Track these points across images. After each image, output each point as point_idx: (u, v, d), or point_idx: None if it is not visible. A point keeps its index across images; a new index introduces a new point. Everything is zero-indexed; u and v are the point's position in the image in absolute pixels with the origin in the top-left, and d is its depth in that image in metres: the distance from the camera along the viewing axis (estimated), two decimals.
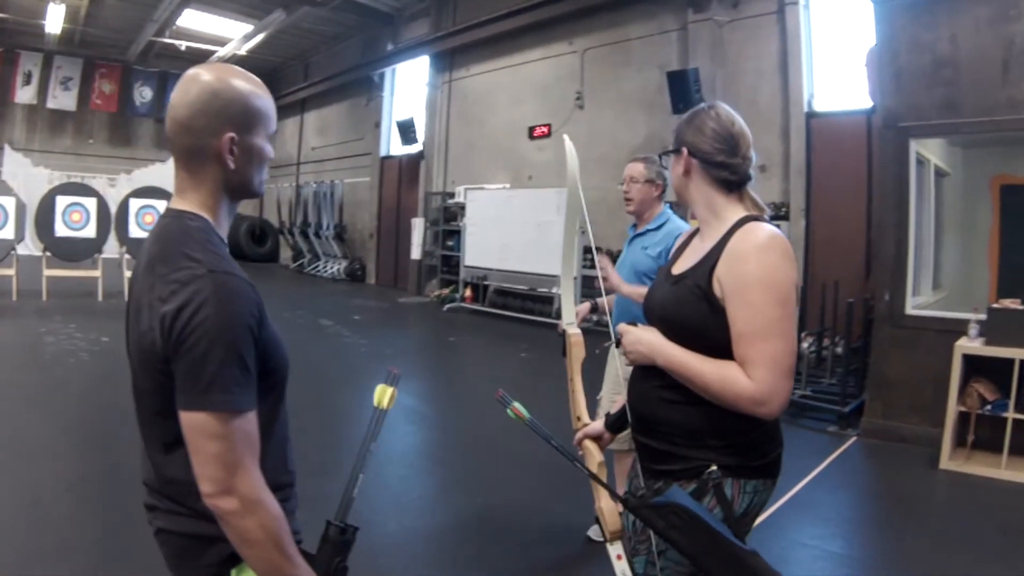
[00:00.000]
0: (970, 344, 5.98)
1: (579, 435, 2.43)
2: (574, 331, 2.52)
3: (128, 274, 13.26)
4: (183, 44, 19.60)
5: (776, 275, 1.93)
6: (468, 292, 15.51)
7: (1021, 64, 6.16)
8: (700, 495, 1.98)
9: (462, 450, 5.91)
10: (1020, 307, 5.85)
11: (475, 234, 15.01)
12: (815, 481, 5.53)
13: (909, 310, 6.70)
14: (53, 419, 6.27)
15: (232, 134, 1.57)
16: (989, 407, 5.87)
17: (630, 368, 2.26)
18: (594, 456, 2.36)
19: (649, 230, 4.04)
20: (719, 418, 1.97)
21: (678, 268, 2.17)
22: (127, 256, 13.44)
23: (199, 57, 21.17)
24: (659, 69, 12.62)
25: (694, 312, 2.01)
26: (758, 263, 1.93)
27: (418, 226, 17.49)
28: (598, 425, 2.42)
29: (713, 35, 11.68)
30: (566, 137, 2.70)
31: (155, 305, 1.47)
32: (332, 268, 20.42)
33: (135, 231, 13.54)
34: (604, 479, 2.29)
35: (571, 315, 2.62)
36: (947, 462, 5.89)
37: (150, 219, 13.62)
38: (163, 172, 14.92)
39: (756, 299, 1.91)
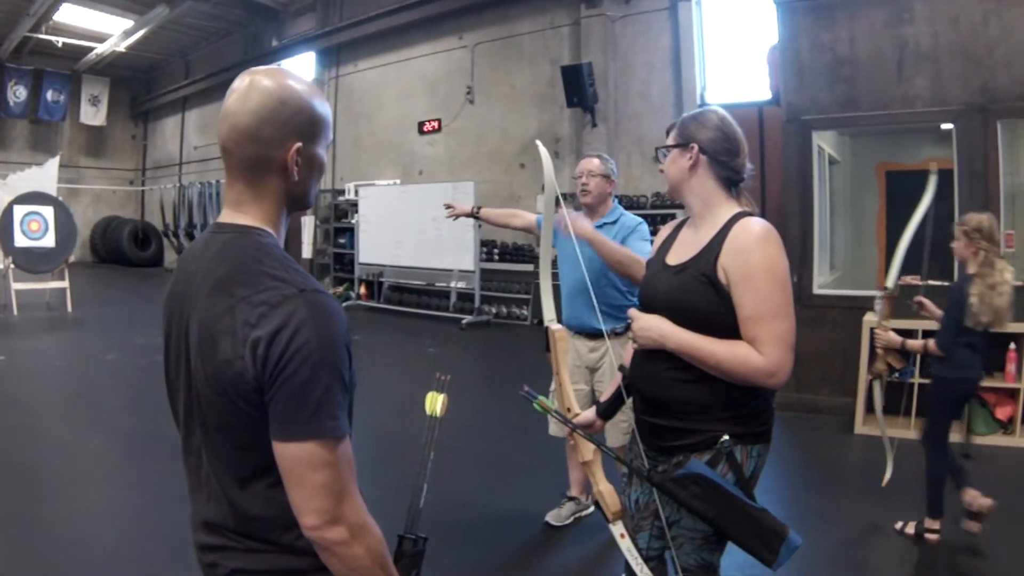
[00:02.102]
0: (876, 318, 6.29)
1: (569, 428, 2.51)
2: (557, 327, 2.57)
3: (18, 286, 12.40)
4: (60, 40, 18.54)
5: (777, 264, 2.14)
6: (363, 289, 15.31)
7: (913, 63, 6.62)
8: (714, 463, 2.16)
9: (394, 451, 5.71)
10: (920, 283, 6.18)
11: (368, 231, 14.76)
12: None
13: (816, 290, 6.99)
14: None
15: (299, 144, 1.47)
16: (897, 375, 6.19)
17: (628, 355, 2.46)
18: (588, 444, 2.44)
19: (607, 223, 4.15)
20: (726, 392, 2.16)
21: (674, 259, 2.32)
22: (12, 267, 12.53)
23: (76, 54, 20.31)
24: (551, 63, 12.77)
25: (701, 299, 2.17)
26: (762, 253, 2.12)
27: (308, 224, 17.13)
28: (589, 414, 2.54)
29: (605, 30, 11.87)
30: (539, 143, 2.78)
31: (241, 331, 1.34)
32: None
33: (20, 240, 12.57)
34: (600, 465, 2.42)
35: (552, 312, 2.66)
36: (861, 427, 6.31)
37: (36, 226, 12.76)
38: (40, 176, 13.89)
39: (762, 285, 2.10)
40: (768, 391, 2.24)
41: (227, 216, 1.52)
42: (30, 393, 7.72)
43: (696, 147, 2.29)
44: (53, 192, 13.85)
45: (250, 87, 1.45)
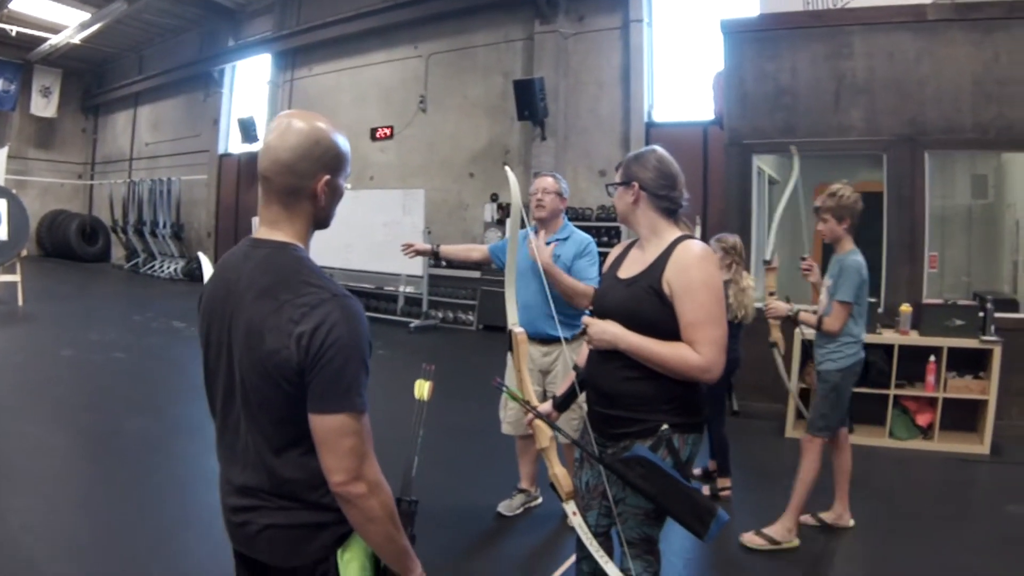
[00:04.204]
0: (808, 331, 6.55)
1: (529, 416, 2.75)
2: (519, 330, 2.84)
3: None
4: (14, 29, 18.19)
5: (713, 279, 2.51)
6: None
7: (850, 95, 6.96)
8: (656, 448, 2.49)
9: None
10: None
11: (318, 233, 14.40)
12: None
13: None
14: None
15: (328, 177, 1.75)
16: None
17: (583, 357, 2.80)
18: (545, 432, 2.71)
19: (559, 239, 4.36)
20: (668, 388, 2.52)
21: (625, 273, 2.69)
22: None
23: (30, 44, 19.91)
24: (503, 76, 12.95)
25: (648, 307, 2.52)
26: (700, 270, 2.49)
27: (257, 225, 16.95)
28: (546, 406, 2.87)
29: (558, 46, 12.08)
30: (507, 169, 3.16)
31: (286, 326, 1.63)
32: (169, 268, 19.41)
33: None
34: (555, 451, 2.70)
35: (515, 316, 2.91)
36: (791, 432, 6.58)
37: None
38: None
39: (701, 297, 2.46)
40: (702, 388, 2.60)
41: (263, 233, 1.79)
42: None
43: (637, 185, 2.65)
44: (1, 183, 13.46)
45: (288, 128, 1.73)
